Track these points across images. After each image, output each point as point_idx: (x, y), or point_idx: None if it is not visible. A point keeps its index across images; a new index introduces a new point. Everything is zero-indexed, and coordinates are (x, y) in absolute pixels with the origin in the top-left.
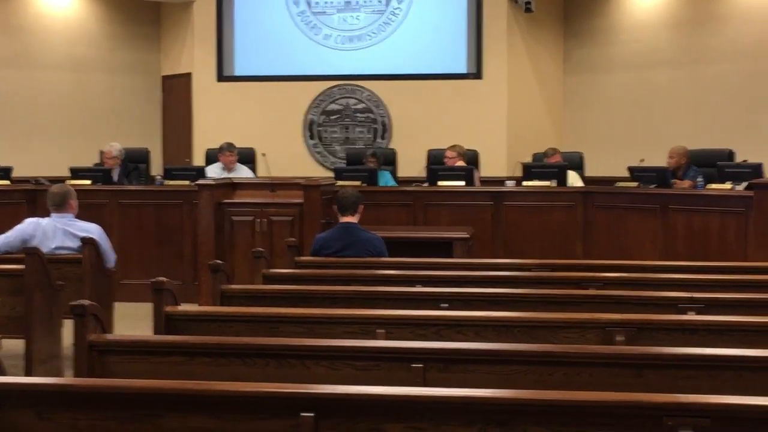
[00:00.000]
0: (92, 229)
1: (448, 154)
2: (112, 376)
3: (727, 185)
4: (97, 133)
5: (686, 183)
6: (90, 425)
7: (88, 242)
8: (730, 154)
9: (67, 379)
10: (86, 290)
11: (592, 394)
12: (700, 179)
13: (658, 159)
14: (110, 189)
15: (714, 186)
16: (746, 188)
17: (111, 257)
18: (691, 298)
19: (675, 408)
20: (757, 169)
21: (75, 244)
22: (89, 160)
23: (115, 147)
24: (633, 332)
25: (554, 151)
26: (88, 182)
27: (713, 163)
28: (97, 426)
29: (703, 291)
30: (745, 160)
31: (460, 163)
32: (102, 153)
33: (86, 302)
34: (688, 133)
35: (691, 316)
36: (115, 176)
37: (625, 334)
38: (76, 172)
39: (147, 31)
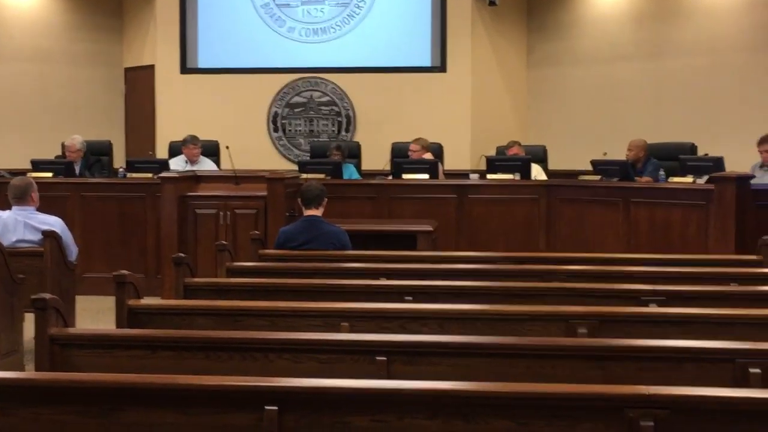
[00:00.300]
0: (54, 222)
1: (413, 147)
2: (74, 370)
3: (689, 179)
4: (59, 126)
5: (646, 179)
6: (52, 420)
7: (49, 235)
8: (692, 148)
9: (29, 373)
10: (48, 284)
11: (555, 386)
12: (661, 173)
13: (621, 152)
14: (72, 182)
15: (676, 179)
16: (707, 182)
17: (73, 250)
18: (653, 290)
19: (636, 399)
20: (718, 162)
21: (36, 237)
22: (51, 153)
23: (77, 140)
24: (595, 324)
25: (514, 143)
26: (50, 175)
27: (675, 157)
28: (60, 420)
29: (664, 283)
30: (706, 154)
31: (425, 156)
32: (64, 145)
33: (47, 296)
34: (651, 126)
35: (653, 309)
36: (78, 169)
37: (588, 327)
38: (38, 165)
39: (109, 23)
